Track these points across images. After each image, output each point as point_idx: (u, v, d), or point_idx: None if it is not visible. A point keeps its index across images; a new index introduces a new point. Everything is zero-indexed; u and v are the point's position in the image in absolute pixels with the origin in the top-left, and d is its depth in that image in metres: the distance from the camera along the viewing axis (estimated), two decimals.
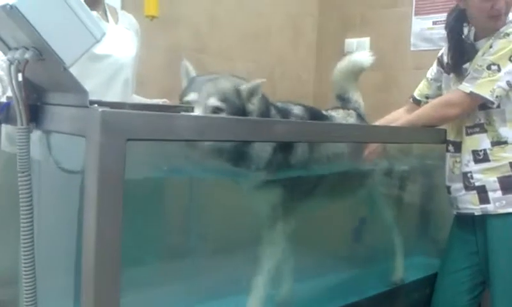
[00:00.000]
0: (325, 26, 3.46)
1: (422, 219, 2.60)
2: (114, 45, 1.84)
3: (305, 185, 1.80)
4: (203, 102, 1.51)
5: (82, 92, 1.05)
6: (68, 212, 1.42)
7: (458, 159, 2.02)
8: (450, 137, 2.07)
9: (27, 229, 1.16)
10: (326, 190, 1.88)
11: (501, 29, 1.89)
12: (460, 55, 2.02)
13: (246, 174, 1.63)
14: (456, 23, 2.04)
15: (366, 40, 3.25)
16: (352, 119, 2.08)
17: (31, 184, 1.17)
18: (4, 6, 0.98)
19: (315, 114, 1.86)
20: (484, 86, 1.85)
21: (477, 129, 1.96)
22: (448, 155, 2.08)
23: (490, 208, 1.93)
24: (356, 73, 2.26)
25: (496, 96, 1.85)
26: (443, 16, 2.84)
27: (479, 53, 1.94)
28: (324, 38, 3.46)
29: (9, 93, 1.46)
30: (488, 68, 1.86)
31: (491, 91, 1.85)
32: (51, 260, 1.37)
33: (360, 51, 2.19)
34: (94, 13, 1.46)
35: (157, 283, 1.72)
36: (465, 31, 2.05)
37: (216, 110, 1.51)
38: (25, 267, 1.16)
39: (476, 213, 1.97)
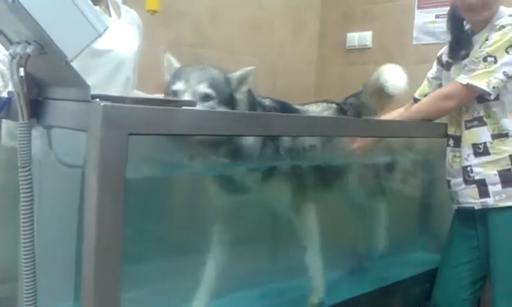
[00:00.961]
0: (327, 19, 3.45)
1: (422, 214, 2.60)
2: (116, 40, 1.84)
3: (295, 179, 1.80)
4: (192, 89, 1.48)
5: (84, 86, 1.05)
6: (69, 207, 1.42)
7: (457, 153, 2.02)
8: (450, 131, 2.07)
9: (28, 225, 1.16)
10: (320, 183, 1.88)
11: (496, 22, 1.90)
12: (458, 49, 2.04)
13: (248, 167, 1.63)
14: (453, 18, 2.05)
15: (368, 34, 3.24)
16: (327, 113, 2.03)
17: (32, 179, 1.17)
18: (6, 0, 0.98)
19: (286, 107, 1.83)
20: (481, 77, 1.86)
21: (476, 122, 1.97)
22: (448, 149, 2.08)
23: (490, 201, 1.93)
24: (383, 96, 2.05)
25: (493, 87, 1.86)
26: (445, 10, 2.82)
27: (476, 46, 1.95)
28: (326, 31, 3.45)
29: (11, 88, 1.47)
30: (484, 59, 1.87)
31: (487, 82, 1.85)
32: (51, 256, 1.37)
33: (395, 73, 1.95)
34: (96, 7, 1.46)
35: (167, 279, 1.72)
36: (467, 26, 2.06)
37: (206, 97, 1.48)
38: (25, 263, 1.16)
39: (476, 207, 1.97)
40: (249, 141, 1.55)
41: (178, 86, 1.50)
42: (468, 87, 1.89)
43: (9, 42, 1.19)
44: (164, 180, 1.73)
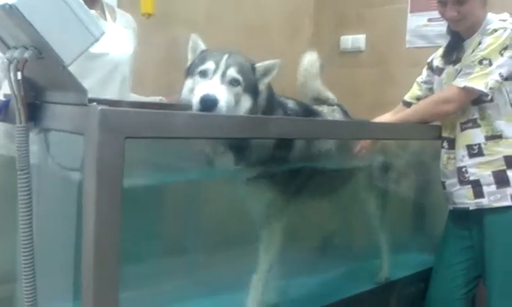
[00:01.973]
0: (321, 23, 3.47)
1: (416, 214, 2.62)
2: (111, 43, 1.85)
3: (297, 181, 1.80)
4: (221, 71, 1.48)
5: (81, 90, 1.06)
6: (67, 210, 1.42)
7: (452, 155, 2.05)
8: (445, 133, 2.09)
9: (26, 228, 1.17)
10: (318, 185, 1.89)
11: (488, 27, 1.94)
12: (451, 54, 2.08)
13: (240, 170, 1.63)
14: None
15: (362, 37, 3.26)
16: (338, 115, 2.08)
17: (30, 182, 1.17)
18: (3, 6, 0.99)
19: (307, 110, 1.87)
20: (478, 79, 1.89)
21: (470, 124, 2.00)
22: (442, 151, 2.10)
23: (485, 202, 1.96)
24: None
25: (490, 88, 1.89)
26: (438, 13, 2.88)
27: (468, 51, 1.99)
28: (320, 35, 3.46)
29: (6, 91, 1.47)
30: (480, 62, 1.90)
31: (485, 84, 1.88)
32: (50, 258, 1.38)
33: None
34: (92, 11, 1.47)
35: (156, 281, 1.73)
36: None
37: (234, 81, 1.49)
38: (25, 266, 1.17)
39: (471, 208, 1.99)
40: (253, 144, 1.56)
41: (209, 65, 1.50)
42: (466, 89, 1.91)
43: (6, 46, 1.19)
44: (166, 185, 1.74)
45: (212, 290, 1.81)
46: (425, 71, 2.27)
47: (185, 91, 1.55)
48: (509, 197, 1.92)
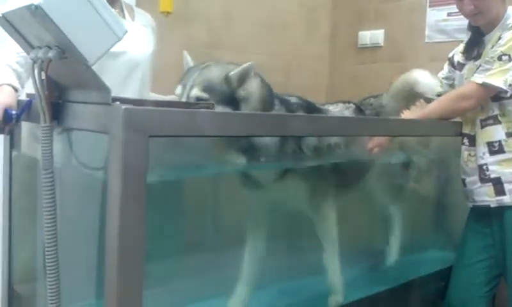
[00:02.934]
0: (339, 18, 3.45)
1: (436, 212, 2.60)
2: (131, 42, 1.85)
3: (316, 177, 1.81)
4: (186, 93, 1.52)
5: (105, 89, 1.07)
6: (90, 209, 1.44)
7: (472, 153, 2.02)
8: (465, 130, 2.07)
9: (51, 227, 1.18)
10: (337, 181, 1.88)
11: (508, 21, 1.92)
12: (472, 49, 2.05)
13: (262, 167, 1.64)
14: None
15: (380, 32, 3.24)
16: (348, 112, 2.05)
17: (54, 181, 1.18)
18: (29, 6, 1.00)
19: (311, 107, 1.84)
20: (497, 75, 1.87)
21: (491, 121, 1.97)
22: (463, 148, 2.08)
23: (506, 199, 1.93)
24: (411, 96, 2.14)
25: (510, 85, 1.87)
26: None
27: (488, 46, 1.96)
28: (338, 30, 3.44)
29: (28, 90, 1.49)
30: (499, 58, 1.88)
31: (504, 80, 1.86)
32: (74, 257, 1.40)
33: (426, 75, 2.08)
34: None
35: (180, 278, 1.74)
36: None
37: (199, 101, 1.50)
38: (49, 264, 1.18)
39: (492, 206, 1.97)
40: (268, 140, 1.56)
41: (178, 90, 1.56)
42: (484, 86, 1.89)
43: (30, 46, 1.21)
44: (185, 181, 1.75)
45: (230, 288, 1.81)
46: (446, 67, 2.24)
47: None
48: None
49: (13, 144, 1.61)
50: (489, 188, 1.97)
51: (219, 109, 1.50)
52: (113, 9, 1.78)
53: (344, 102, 2.10)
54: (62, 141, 1.36)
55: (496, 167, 1.95)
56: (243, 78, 1.55)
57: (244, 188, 1.76)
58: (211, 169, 1.58)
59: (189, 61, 1.66)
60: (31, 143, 1.54)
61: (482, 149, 1.98)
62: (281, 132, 1.41)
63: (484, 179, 1.98)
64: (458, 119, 2.08)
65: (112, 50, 1.71)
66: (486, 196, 1.98)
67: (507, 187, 1.93)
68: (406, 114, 2.17)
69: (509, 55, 1.86)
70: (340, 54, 3.44)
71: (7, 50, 1.59)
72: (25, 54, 1.52)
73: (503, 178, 1.94)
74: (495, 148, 1.96)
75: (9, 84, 1.52)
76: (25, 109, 1.40)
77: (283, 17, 3.18)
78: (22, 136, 1.58)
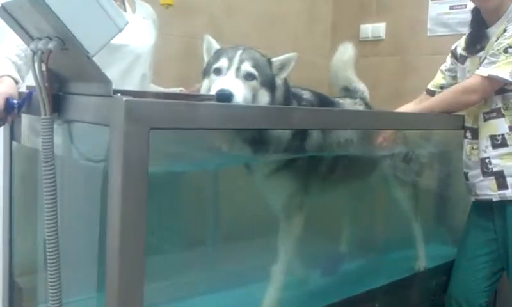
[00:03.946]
0: (340, 12, 3.43)
1: (438, 206, 2.59)
2: (131, 34, 1.84)
3: (320, 170, 1.79)
4: (235, 66, 1.48)
5: (106, 81, 1.06)
6: (90, 201, 1.43)
7: (475, 146, 2.01)
8: (468, 123, 2.06)
9: (51, 219, 1.17)
10: (340, 175, 1.87)
11: None
12: (474, 43, 2.03)
13: (263, 159, 1.62)
14: (476, 13, 2.05)
15: (382, 26, 3.22)
16: (360, 108, 2.06)
17: (55, 174, 1.18)
18: None
19: (324, 100, 1.84)
20: (503, 67, 1.86)
21: (494, 114, 1.96)
22: (465, 141, 2.07)
23: (508, 193, 1.93)
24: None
25: None
26: (459, 1, 2.83)
27: (493, 38, 1.95)
28: (340, 23, 3.42)
29: (28, 83, 1.48)
30: (505, 51, 1.86)
31: (510, 72, 1.85)
32: (75, 250, 1.39)
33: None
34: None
35: (175, 273, 1.74)
36: None
37: (249, 76, 1.48)
38: (50, 257, 1.18)
39: (494, 199, 1.96)
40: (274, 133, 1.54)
41: (222, 63, 1.50)
42: (490, 78, 1.88)
43: (30, 38, 1.20)
44: (187, 174, 1.74)
45: (231, 282, 1.81)
46: (449, 59, 2.23)
47: (203, 92, 1.56)
48: None
49: (13, 135, 1.61)
50: (491, 182, 1.96)
51: (263, 91, 1.50)
52: (114, 1, 1.79)
53: (350, 97, 2.10)
54: (62, 133, 1.34)
55: (499, 160, 1.94)
56: (283, 66, 1.55)
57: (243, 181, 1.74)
58: (211, 162, 1.57)
59: (213, 43, 1.62)
60: (30, 137, 1.53)
61: (484, 142, 1.97)
62: (283, 125, 1.40)
63: (486, 172, 1.97)
64: (461, 112, 2.07)
65: (113, 42, 1.70)
66: (488, 189, 1.97)
67: (509, 180, 1.92)
68: (409, 107, 2.16)
69: None
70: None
71: (6, 43, 1.58)
72: (24, 47, 1.52)
73: (505, 172, 1.93)
74: (498, 142, 1.95)
75: (9, 76, 1.51)
76: (25, 102, 1.39)
77: (285, 10, 3.16)
78: (22, 130, 1.57)
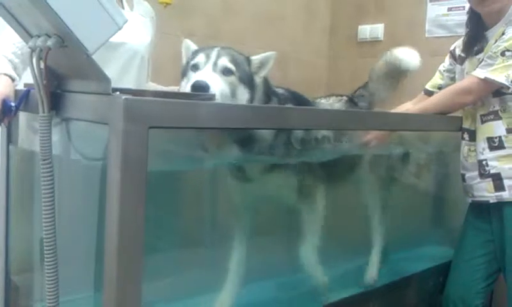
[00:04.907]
0: (338, 12, 3.43)
1: (434, 207, 2.59)
2: (129, 32, 1.83)
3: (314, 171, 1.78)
4: (212, 61, 1.46)
5: (105, 79, 1.06)
6: (88, 200, 1.42)
7: (473, 147, 2.02)
8: (465, 125, 2.06)
9: (49, 218, 1.16)
10: (331, 175, 1.86)
11: None
12: (472, 44, 2.04)
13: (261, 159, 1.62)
14: (473, 13, 2.05)
15: (380, 27, 3.22)
16: (339, 105, 2.01)
17: (53, 172, 1.17)
18: None
19: (296, 97, 1.79)
20: (499, 71, 1.86)
21: (492, 116, 1.96)
22: (463, 143, 2.07)
23: (505, 195, 1.93)
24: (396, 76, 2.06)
25: None
26: (458, 2, 2.83)
27: (491, 41, 1.95)
28: (338, 24, 3.43)
29: (25, 80, 1.47)
30: (502, 54, 1.86)
31: (506, 76, 1.85)
32: (72, 248, 1.39)
33: (406, 50, 1.99)
34: None
35: (174, 271, 1.73)
36: None
37: (227, 71, 1.46)
38: (47, 256, 1.17)
39: (491, 201, 1.96)
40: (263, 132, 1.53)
41: (199, 58, 1.49)
42: (486, 81, 1.88)
43: (28, 35, 1.19)
44: (183, 173, 1.73)
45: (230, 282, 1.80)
46: (447, 60, 2.23)
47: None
48: None
49: (10, 137, 1.59)
50: (488, 183, 1.96)
51: (242, 88, 1.48)
52: None
53: (336, 95, 2.08)
54: (60, 131, 1.34)
55: (496, 162, 1.94)
56: (263, 65, 1.54)
57: (235, 181, 1.73)
58: (206, 161, 1.55)
59: (191, 45, 1.60)
60: (28, 134, 1.53)
61: (482, 144, 1.98)
62: (282, 125, 1.40)
63: (483, 174, 1.97)
64: (458, 113, 2.07)
65: (112, 40, 1.70)
66: (485, 191, 1.98)
67: (506, 182, 1.93)
68: (407, 107, 2.16)
69: None
70: (340, 48, 3.42)
71: (3, 40, 1.57)
72: (20, 44, 1.51)
73: (502, 174, 1.93)
74: (495, 144, 1.95)
75: (5, 74, 1.50)
76: (23, 100, 1.38)
77: (282, 10, 3.16)
78: (19, 126, 1.56)
